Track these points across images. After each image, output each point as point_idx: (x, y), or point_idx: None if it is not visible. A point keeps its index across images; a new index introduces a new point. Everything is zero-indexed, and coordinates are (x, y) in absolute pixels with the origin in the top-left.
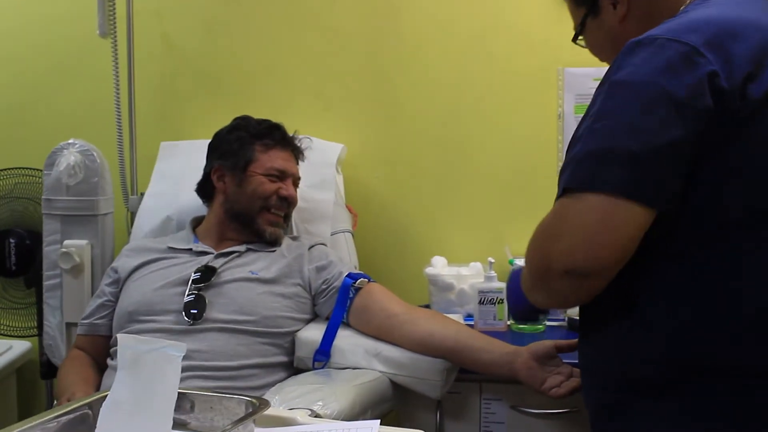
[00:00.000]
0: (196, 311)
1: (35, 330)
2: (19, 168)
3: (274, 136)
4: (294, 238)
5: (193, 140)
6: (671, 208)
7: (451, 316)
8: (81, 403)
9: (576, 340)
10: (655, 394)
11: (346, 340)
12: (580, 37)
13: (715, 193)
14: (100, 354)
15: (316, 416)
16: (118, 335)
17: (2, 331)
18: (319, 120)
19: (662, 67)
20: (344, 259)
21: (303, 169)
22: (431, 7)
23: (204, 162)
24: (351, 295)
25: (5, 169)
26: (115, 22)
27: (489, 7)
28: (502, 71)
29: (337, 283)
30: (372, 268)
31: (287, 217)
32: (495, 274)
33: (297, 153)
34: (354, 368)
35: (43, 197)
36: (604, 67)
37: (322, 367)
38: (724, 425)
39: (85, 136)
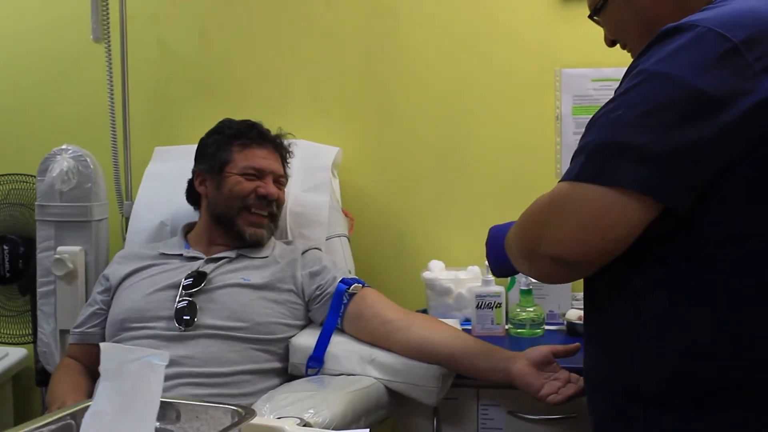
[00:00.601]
0: (188, 317)
1: (30, 337)
2: (13, 174)
3: (250, 134)
4: (287, 243)
5: (187, 145)
6: (684, 207)
7: (448, 320)
8: (64, 413)
9: (574, 345)
10: (665, 407)
11: (340, 346)
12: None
13: (740, 197)
14: (92, 362)
15: (305, 425)
16: (101, 344)
17: None
18: (315, 124)
19: (696, 60)
20: (338, 263)
21: (297, 172)
22: (427, 9)
23: None
24: (345, 301)
25: None
26: (108, 27)
27: (485, 8)
28: (499, 73)
29: (331, 289)
30: (369, 273)
31: (274, 218)
32: (492, 278)
33: (280, 150)
34: (348, 375)
35: (36, 203)
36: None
37: (316, 374)
38: None
39: (80, 141)
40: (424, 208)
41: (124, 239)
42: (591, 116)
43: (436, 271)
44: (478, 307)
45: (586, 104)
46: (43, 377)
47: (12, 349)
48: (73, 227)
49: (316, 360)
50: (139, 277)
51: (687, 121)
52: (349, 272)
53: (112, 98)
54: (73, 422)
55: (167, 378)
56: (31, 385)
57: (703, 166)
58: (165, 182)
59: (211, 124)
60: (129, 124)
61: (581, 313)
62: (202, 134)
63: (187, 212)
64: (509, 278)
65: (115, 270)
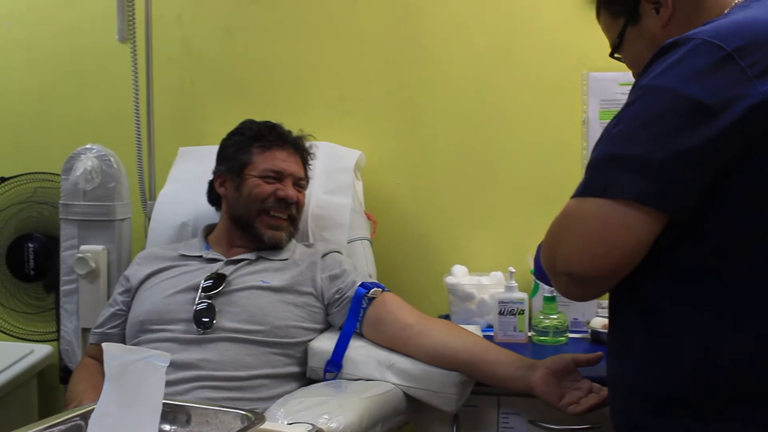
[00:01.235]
0: (207, 320)
1: (55, 335)
2: (39, 173)
3: (270, 136)
4: (308, 246)
5: (211, 146)
6: (685, 214)
7: (469, 327)
8: (73, 414)
9: (596, 354)
10: (686, 416)
11: (358, 350)
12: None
13: (743, 202)
14: None
15: (317, 431)
16: (104, 344)
17: (23, 335)
18: (339, 125)
19: (691, 70)
20: (359, 267)
21: (319, 174)
22: (453, 11)
23: None
24: (364, 305)
25: (25, 174)
26: (134, 27)
27: (511, 10)
28: (525, 76)
29: (351, 293)
30: (391, 277)
31: (293, 220)
32: (516, 284)
33: (301, 152)
34: (366, 380)
35: (60, 202)
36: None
37: (334, 378)
38: None
39: (104, 140)
40: (447, 211)
41: (146, 239)
42: None
43: (459, 276)
44: (500, 313)
45: (613, 108)
46: (66, 375)
47: (37, 346)
48: (96, 226)
49: (335, 364)
50: (159, 278)
51: (683, 129)
52: (370, 276)
53: (137, 98)
54: (82, 423)
55: (185, 381)
56: (56, 382)
57: (702, 171)
58: (188, 183)
59: (235, 125)
60: (153, 123)
61: (606, 321)
62: (226, 135)
63: (208, 213)
64: (533, 285)
65: (135, 271)
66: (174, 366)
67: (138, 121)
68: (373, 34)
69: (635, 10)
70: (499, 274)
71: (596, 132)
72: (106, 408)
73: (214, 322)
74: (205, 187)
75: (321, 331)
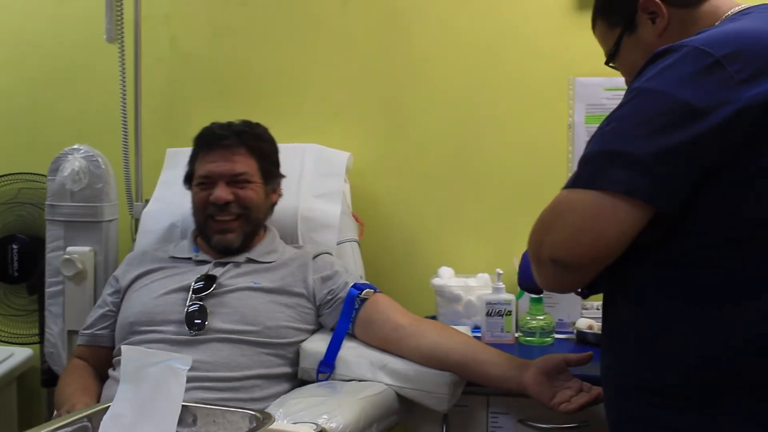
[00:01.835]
0: (199, 321)
1: (37, 337)
2: (24, 173)
3: (200, 141)
4: (297, 248)
5: None
6: (672, 209)
7: (458, 328)
8: (80, 415)
9: (586, 354)
10: (680, 409)
11: (351, 351)
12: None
13: (729, 201)
14: (101, 364)
15: (321, 431)
16: (122, 347)
17: (4, 338)
18: (327, 127)
19: (680, 75)
20: (349, 268)
21: (309, 177)
22: (441, 15)
23: None
24: (356, 306)
25: (9, 174)
26: (122, 27)
27: (499, 15)
28: (513, 81)
29: (343, 294)
30: (378, 278)
31: (246, 217)
32: (503, 286)
33: (244, 143)
34: (359, 380)
35: (46, 203)
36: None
37: (326, 379)
38: None
39: (91, 141)
40: (434, 214)
41: (133, 241)
42: None
43: (446, 277)
44: (488, 314)
45: (599, 113)
46: (48, 378)
47: (17, 349)
48: (83, 227)
49: (327, 365)
50: (149, 279)
51: (670, 128)
52: (361, 277)
53: (124, 99)
54: (89, 424)
55: None
56: (37, 386)
57: (688, 169)
58: (177, 184)
59: None
60: (141, 124)
61: (591, 321)
62: None
63: None
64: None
65: (125, 271)
66: None
67: (125, 121)
68: (362, 37)
69: (632, 21)
70: (486, 275)
71: (582, 136)
72: (120, 409)
73: (206, 323)
74: None
75: (312, 332)
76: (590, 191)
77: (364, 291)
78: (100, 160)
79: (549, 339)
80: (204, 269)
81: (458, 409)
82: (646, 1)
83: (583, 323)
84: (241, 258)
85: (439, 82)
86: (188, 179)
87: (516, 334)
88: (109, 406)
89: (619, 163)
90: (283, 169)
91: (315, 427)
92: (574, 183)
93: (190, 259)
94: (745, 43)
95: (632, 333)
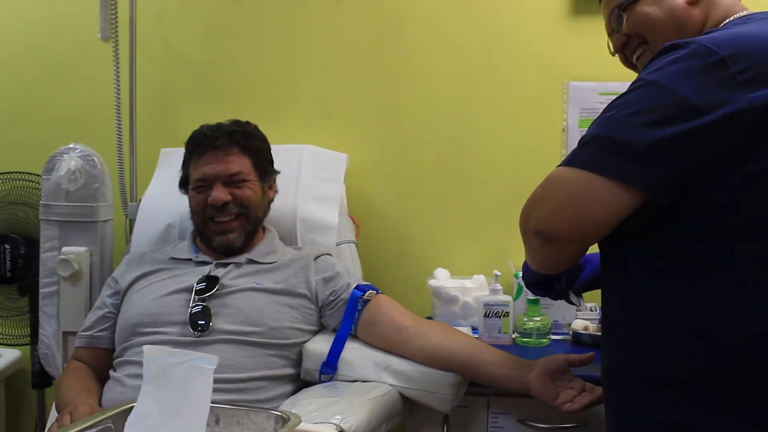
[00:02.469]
0: (203, 322)
1: (27, 339)
2: (16, 172)
3: (191, 144)
4: (297, 249)
5: None
6: (663, 199)
7: (459, 328)
8: (104, 416)
9: (588, 354)
10: (678, 402)
11: (354, 352)
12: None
13: (724, 196)
14: (101, 366)
15: (341, 431)
16: (144, 347)
17: None
18: (321, 128)
19: (684, 71)
20: (349, 269)
21: (307, 178)
22: (436, 18)
23: None
24: (359, 308)
25: (1, 174)
26: (117, 26)
27: (494, 19)
28: (507, 84)
29: (345, 295)
30: (374, 279)
31: (246, 216)
32: (500, 287)
33: (236, 143)
34: (363, 381)
35: (41, 202)
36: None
37: (329, 380)
38: None
39: (84, 140)
40: (428, 215)
41: (128, 241)
42: None
43: (442, 279)
44: (486, 315)
45: (592, 117)
46: (40, 380)
47: (5, 350)
48: (79, 227)
49: (330, 366)
50: (150, 281)
51: (667, 121)
52: (361, 278)
53: (118, 98)
54: (112, 426)
55: None
56: (25, 388)
57: (680, 162)
58: (172, 184)
59: None
60: (135, 123)
61: (586, 323)
62: None
63: None
64: (516, 288)
65: (124, 273)
66: None
67: (119, 121)
68: (356, 38)
69: None
70: (482, 277)
71: (576, 139)
72: (146, 409)
73: (210, 324)
74: None
75: (314, 333)
76: (582, 171)
77: (367, 292)
78: (95, 159)
79: (545, 340)
80: (205, 270)
81: (459, 410)
82: None
83: (578, 324)
84: (242, 259)
85: (434, 84)
86: (183, 183)
87: (513, 335)
88: (131, 407)
89: (615, 148)
90: (280, 171)
91: (335, 427)
92: (569, 162)
93: (190, 260)
94: (750, 45)
95: (629, 327)
